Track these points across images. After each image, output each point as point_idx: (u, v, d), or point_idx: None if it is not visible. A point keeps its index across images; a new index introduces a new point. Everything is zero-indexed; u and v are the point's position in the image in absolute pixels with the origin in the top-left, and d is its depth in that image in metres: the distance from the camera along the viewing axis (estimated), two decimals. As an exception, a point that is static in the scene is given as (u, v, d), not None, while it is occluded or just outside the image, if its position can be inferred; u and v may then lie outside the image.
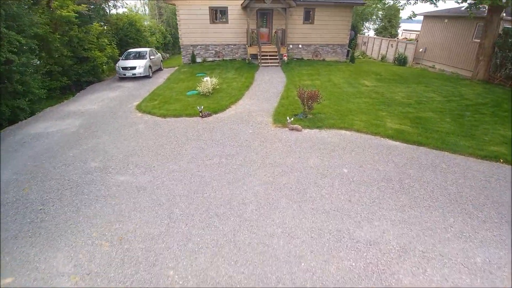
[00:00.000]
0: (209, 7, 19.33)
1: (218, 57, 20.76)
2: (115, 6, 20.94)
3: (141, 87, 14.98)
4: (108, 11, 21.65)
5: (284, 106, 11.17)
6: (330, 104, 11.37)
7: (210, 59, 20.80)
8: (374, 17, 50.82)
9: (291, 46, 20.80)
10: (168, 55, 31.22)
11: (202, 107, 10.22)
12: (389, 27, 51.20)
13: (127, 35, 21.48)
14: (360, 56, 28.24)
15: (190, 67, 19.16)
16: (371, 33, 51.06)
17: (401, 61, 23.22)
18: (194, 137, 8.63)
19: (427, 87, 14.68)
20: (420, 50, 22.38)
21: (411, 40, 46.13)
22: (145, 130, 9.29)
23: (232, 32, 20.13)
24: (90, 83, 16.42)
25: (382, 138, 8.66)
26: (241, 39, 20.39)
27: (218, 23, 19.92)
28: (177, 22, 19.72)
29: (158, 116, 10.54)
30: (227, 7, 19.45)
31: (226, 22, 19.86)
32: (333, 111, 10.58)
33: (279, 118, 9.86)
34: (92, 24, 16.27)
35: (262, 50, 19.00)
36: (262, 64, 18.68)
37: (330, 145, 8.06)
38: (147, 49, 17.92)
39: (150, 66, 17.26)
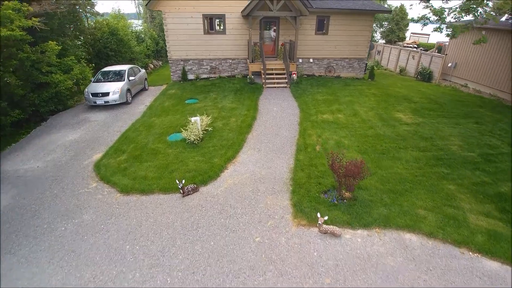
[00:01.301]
0: (202, 14, 15.60)
1: (214, 73, 17.08)
2: (93, 14, 17.05)
3: (113, 122, 11.37)
4: (85, 18, 17.81)
5: (304, 169, 7.63)
6: (368, 160, 7.85)
7: (205, 75, 17.12)
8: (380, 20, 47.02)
9: (300, 60, 17.14)
10: (160, 62, 27.51)
11: (183, 182, 6.64)
12: (396, 30, 47.34)
13: (107, 47, 17.71)
14: (374, 67, 24.59)
15: (179, 87, 15.51)
16: (377, 36, 47.28)
17: (425, 76, 19.63)
18: (165, 257, 5.08)
19: (479, 124, 11.15)
20: (449, 65, 18.77)
21: (424, 47, 42.22)
22: (90, 231, 5.72)
23: (231, 44, 16.43)
24: (55, 112, 12.79)
25: (471, 254, 5.18)
26: (241, 53, 16.70)
27: (214, 34, 16.20)
28: (165, 33, 15.99)
29: (119, 190, 6.96)
30: (224, 15, 15.73)
31: (223, 32, 16.14)
32: (378, 182, 7.05)
33: (302, 202, 6.32)
34: (63, 38, 12.58)
35: (267, 67, 15.34)
36: (267, 85, 15.05)
37: (399, 283, 4.54)
38: (126, 68, 14.20)
39: (128, 90, 13.59)
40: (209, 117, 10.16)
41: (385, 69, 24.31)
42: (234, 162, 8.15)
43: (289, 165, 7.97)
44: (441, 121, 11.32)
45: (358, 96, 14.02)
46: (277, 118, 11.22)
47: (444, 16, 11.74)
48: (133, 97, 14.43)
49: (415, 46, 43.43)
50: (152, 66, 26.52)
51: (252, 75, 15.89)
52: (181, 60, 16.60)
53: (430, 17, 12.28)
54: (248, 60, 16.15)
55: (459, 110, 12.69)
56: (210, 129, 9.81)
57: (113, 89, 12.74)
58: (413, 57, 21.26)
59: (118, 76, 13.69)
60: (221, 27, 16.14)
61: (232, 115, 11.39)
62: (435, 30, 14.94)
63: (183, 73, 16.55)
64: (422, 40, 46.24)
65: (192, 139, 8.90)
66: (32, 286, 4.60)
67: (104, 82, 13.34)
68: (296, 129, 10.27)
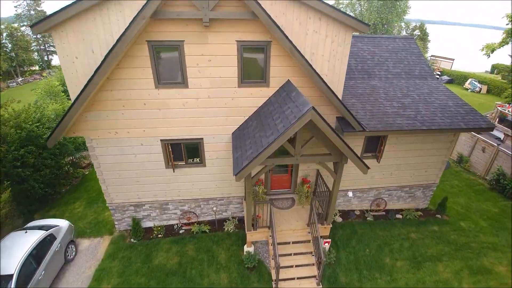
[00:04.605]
0: (161, 140, 7.97)
1: (188, 219, 9.58)
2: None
3: None
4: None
5: None
6: None
7: (172, 222, 9.64)
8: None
9: (332, 195, 9.65)
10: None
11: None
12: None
13: (18, 165, 10.01)
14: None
15: (121, 272, 8.08)
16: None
17: (506, 190, 12.20)
18: None
19: None
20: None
21: (448, 74, 34.34)
22: None
23: (216, 179, 8.92)
24: None
25: None
26: (233, 190, 9.20)
27: (184, 166, 8.62)
28: (95, 169, 8.35)
29: None
30: (202, 139, 8.12)
31: (201, 164, 8.57)
32: None
33: None
34: None
35: (279, 241, 7.87)
36: (282, 284, 7.63)
37: None
38: (15, 267, 6.74)
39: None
40: None
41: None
42: None
43: None
44: None
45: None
46: None
47: None
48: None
49: (438, 73, 35.44)
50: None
51: (253, 247, 8.42)
52: (130, 205, 9.07)
53: None
54: (244, 202, 8.62)
55: None
56: None
57: None
58: (483, 149, 13.71)
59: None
60: (198, 157, 8.52)
61: None
62: None
63: (135, 226, 9.04)
64: (445, 64, 38.06)
65: None
66: None
67: None
68: None
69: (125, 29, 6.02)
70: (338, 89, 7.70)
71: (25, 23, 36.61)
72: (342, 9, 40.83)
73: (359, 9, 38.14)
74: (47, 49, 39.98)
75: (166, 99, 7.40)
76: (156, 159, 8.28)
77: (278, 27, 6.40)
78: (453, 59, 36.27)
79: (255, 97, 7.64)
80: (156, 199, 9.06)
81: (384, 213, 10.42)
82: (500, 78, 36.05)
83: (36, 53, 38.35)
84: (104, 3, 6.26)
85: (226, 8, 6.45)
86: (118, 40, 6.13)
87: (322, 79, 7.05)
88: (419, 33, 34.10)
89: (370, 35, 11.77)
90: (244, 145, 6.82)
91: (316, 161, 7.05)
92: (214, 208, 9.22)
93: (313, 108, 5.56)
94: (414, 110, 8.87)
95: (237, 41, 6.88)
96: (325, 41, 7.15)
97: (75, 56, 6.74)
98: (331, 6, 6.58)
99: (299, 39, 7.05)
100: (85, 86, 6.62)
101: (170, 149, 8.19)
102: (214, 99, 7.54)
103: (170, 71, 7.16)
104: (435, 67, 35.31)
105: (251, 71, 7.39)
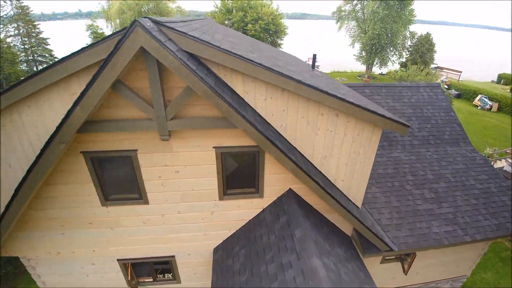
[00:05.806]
0: (118, 260, 5.78)
1: (164, 331, 7.48)
2: None
3: None
4: None
5: None
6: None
7: (145, 332, 7.54)
8: (399, 48, 36.17)
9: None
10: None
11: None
12: (420, 63, 36.26)
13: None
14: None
15: None
16: (396, 67, 36.58)
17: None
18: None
19: None
20: None
21: (456, 88, 31.97)
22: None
23: (195, 294, 6.75)
24: None
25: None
26: (219, 299, 7.04)
27: (153, 284, 6.43)
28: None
29: None
30: (173, 257, 5.91)
31: (175, 280, 6.38)
32: None
33: None
34: None
35: None
36: None
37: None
38: None
39: None
40: None
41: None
42: None
43: None
44: None
45: None
46: None
47: None
48: None
49: (446, 86, 32.94)
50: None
51: None
52: (88, 321, 6.95)
53: None
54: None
55: None
56: None
57: None
58: None
59: None
60: (170, 273, 6.35)
61: None
62: None
63: None
64: (452, 76, 35.50)
65: None
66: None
67: None
68: None
69: (38, 155, 3.78)
70: (358, 198, 5.47)
71: (12, 34, 34.00)
72: (343, 16, 37.95)
73: (362, 17, 35.45)
74: (36, 59, 37.39)
75: (119, 217, 5.20)
76: (114, 278, 6.11)
77: (277, 146, 4.14)
78: (460, 71, 33.70)
79: (244, 209, 5.41)
80: (120, 315, 6.95)
81: (405, 311, 8.32)
82: (508, 90, 33.63)
83: (25, 64, 35.74)
84: (14, 108, 4.00)
85: (194, 112, 4.18)
86: (33, 164, 3.90)
87: (338, 202, 4.81)
88: (446, 79, 31.42)
89: (390, 84, 9.43)
90: (226, 298, 4.65)
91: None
92: (194, 328, 7.12)
93: (331, 302, 3.38)
94: (451, 204, 6.65)
95: (215, 147, 4.64)
96: (343, 141, 4.90)
97: (-17, 171, 4.52)
98: (354, 104, 4.29)
99: (306, 140, 4.79)
100: (6, 209, 4.44)
101: (132, 268, 6.03)
102: (187, 215, 5.32)
103: (121, 185, 4.93)
104: (442, 80, 32.82)
105: (238, 180, 5.14)
